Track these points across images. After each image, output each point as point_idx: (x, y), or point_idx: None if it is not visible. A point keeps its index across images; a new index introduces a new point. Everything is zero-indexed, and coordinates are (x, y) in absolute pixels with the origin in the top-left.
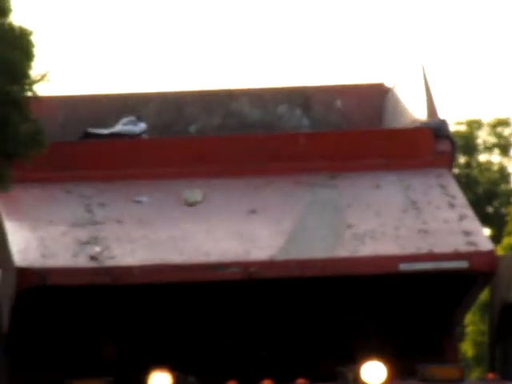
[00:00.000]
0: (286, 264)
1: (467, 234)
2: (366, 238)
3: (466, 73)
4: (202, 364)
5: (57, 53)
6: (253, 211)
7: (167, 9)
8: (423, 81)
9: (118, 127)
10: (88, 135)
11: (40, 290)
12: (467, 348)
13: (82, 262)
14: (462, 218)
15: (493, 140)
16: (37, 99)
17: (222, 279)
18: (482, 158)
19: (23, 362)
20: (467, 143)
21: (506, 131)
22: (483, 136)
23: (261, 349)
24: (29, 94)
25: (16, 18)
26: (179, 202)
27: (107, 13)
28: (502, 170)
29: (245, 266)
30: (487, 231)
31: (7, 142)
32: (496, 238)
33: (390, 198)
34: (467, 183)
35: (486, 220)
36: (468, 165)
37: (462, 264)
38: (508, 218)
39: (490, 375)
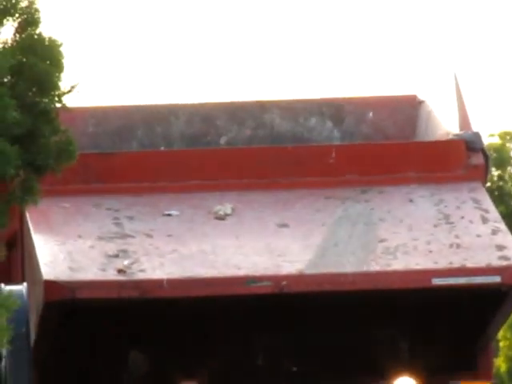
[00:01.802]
0: (316, 278)
1: (500, 248)
2: (398, 253)
3: (499, 84)
4: (232, 379)
5: (86, 63)
6: (283, 225)
7: (197, 21)
8: (456, 92)
9: None
10: None
11: (68, 303)
12: (500, 363)
13: (110, 275)
14: (494, 232)
15: None
16: (66, 110)
17: (252, 293)
18: None
19: (50, 376)
20: (500, 156)
21: None
22: None
23: (291, 364)
24: (58, 105)
25: (45, 29)
26: (209, 216)
27: (137, 25)
28: None
29: (275, 279)
30: None
31: (37, 154)
32: None
33: (423, 212)
34: (500, 196)
35: None
36: (501, 178)
37: (495, 279)
38: None
39: None
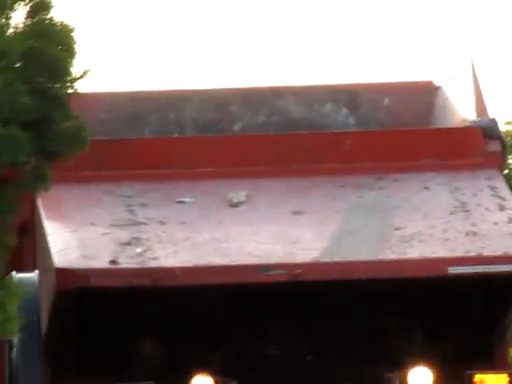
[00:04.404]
0: (331, 266)
1: None
2: (413, 241)
3: None
4: (246, 368)
5: (98, 49)
6: (297, 213)
7: (211, 6)
8: (473, 79)
9: None
10: None
11: (80, 291)
12: None
13: (122, 263)
14: (511, 220)
15: None
16: (78, 96)
17: (266, 281)
18: None
19: (62, 364)
20: None
21: None
22: None
23: (305, 353)
24: (70, 91)
25: (57, 14)
26: (223, 203)
27: (149, 10)
28: None
29: (290, 267)
30: None
31: (49, 140)
32: None
33: (439, 199)
34: None
35: None
36: None
37: None
38: None
39: None
